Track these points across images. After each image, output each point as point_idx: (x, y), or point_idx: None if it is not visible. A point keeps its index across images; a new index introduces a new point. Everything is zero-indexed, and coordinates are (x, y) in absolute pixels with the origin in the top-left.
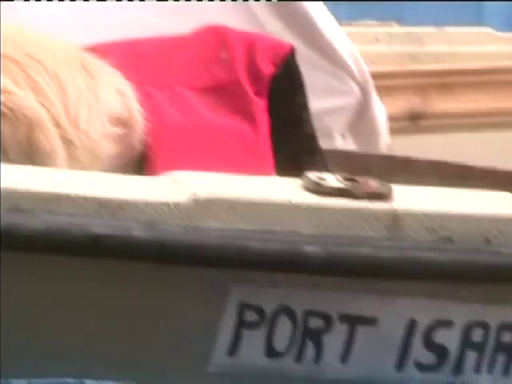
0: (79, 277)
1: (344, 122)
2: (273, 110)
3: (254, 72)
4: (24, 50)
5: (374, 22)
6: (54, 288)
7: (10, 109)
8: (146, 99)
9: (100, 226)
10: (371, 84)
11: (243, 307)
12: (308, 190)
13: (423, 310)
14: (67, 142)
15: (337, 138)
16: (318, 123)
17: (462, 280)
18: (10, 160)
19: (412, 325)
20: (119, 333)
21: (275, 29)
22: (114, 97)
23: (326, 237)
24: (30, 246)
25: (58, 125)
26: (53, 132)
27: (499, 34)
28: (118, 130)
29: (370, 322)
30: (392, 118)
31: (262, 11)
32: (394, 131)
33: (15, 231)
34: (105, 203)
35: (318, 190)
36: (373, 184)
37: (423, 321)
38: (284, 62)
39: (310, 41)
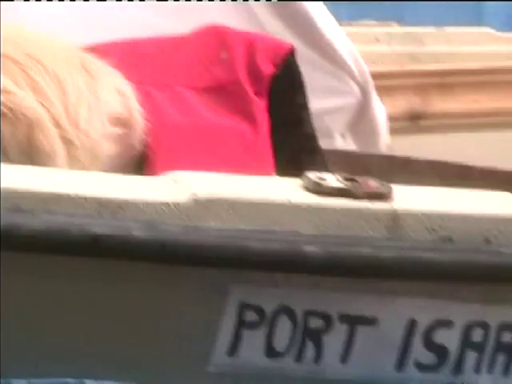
0: (79, 277)
1: (344, 122)
2: (273, 110)
3: (253, 72)
4: (24, 49)
5: (374, 22)
6: (54, 288)
7: (10, 109)
8: (146, 99)
9: (100, 226)
10: (371, 84)
11: (243, 307)
12: (308, 189)
13: (423, 310)
14: (67, 142)
15: (337, 138)
16: (317, 123)
17: (462, 280)
18: (9, 160)
19: (412, 325)
20: (119, 333)
21: (275, 29)
22: (114, 97)
23: (325, 237)
24: (30, 246)
25: (57, 125)
26: (53, 132)
27: (499, 34)
28: (118, 130)
29: (370, 321)
30: (392, 118)
31: (262, 11)
32: (393, 131)
33: (15, 231)
34: (105, 203)
35: (318, 189)
36: (373, 184)
37: (423, 321)
38: (284, 61)
39: (309, 41)
